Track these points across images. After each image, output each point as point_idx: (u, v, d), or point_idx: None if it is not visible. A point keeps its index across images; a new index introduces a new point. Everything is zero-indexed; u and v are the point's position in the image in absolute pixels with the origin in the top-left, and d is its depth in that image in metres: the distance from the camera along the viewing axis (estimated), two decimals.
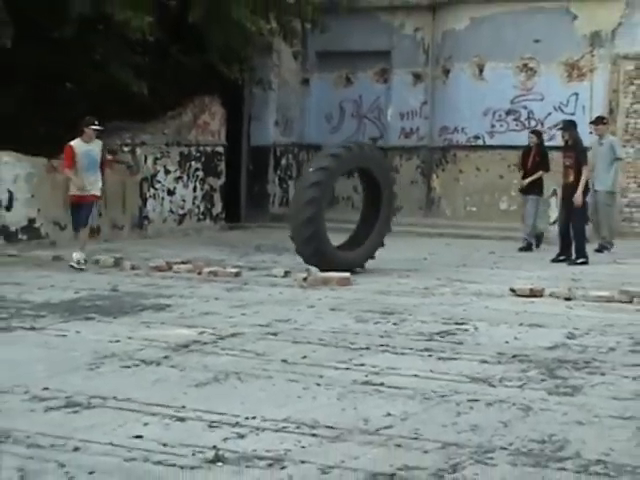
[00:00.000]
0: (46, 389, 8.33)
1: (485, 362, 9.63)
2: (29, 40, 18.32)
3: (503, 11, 23.75)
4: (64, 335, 10.72)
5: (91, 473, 6.28)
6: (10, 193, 17.73)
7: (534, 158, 19.07)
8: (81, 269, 15.51)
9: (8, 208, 17.91)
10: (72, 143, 15.90)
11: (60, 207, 18.10)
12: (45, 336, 10.70)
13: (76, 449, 6.76)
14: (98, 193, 16.28)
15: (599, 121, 18.97)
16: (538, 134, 19.83)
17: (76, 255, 15.59)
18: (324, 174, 15.38)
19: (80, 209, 15.98)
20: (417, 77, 25.43)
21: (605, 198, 18.61)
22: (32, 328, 11.07)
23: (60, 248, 17.51)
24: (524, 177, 19.45)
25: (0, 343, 10.38)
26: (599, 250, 18.66)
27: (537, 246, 19.55)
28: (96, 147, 16.16)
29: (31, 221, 18.59)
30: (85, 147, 15.93)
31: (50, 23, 18.57)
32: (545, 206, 19.71)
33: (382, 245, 16.37)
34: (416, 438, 7.07)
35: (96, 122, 15.99)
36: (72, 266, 15.48)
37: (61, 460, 6.52)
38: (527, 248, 19.31)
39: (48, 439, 6.96)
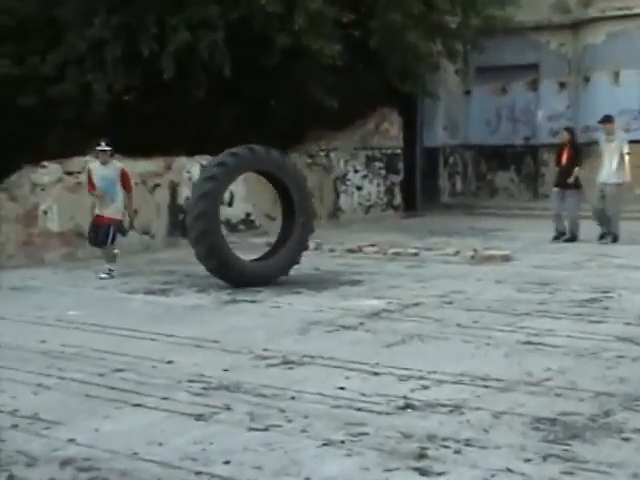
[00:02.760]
0: (266, 350, 8.52)
1: (629, 324, 9.42)
2: (243, 69, 18.66)
3: (635, 25, 23.08)
4: (278, 307, 10.91)
5: (305, 417, 6.41)
6: (231, 192, 18.08)
7: (568, 154, 17.44)
8: (111, 277, 13.40)
9: (230, 204, 18.30)
10: (90, 166, 13.93)
11: (270, 202, 18.40)
12: (263, 307, 10.92)
13: (292, 398, 6.91)
14: (114, 215, 13.61)
15: (607, 120, 17.27)
16: (570, 131, 18.23)
17: (106, 266, 13.59)
18: (212, 184, 12.25)
19: (97, 230, 13.65)
20: (562, 85, 24.94)
21: (614, 190, 16.99)
22: (253, 301, 11.32)
23: (272, 235, 17.76)
24: (561, 173, 17.36)
25: (229, 313, 10.65)
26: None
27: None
28: (112, 170, 13.63)
29: (248, 214, 18.96)
30: (101, 170, 13.64)
31: (259, 54, 18.89)
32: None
33: (297, 262, 12.92)
34: (572, 389, 6.98)
35: (102, 143, 13.64)
36: (102, 277, 13.37)
37: (281, 407, 6.67)
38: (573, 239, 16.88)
39: (270, 390, 7.13)
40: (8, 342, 9.09)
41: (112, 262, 13.62)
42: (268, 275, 12.52)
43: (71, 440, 6.04)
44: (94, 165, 13.78)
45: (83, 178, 15.88)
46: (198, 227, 12.02)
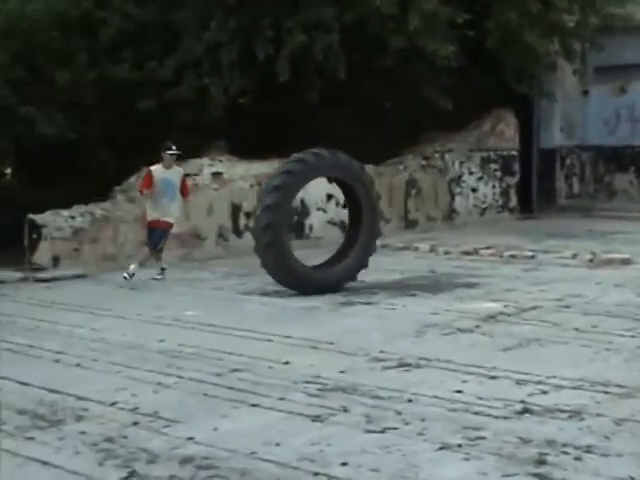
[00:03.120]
0: (382, 352, 8.52)
1: None
2: (357, 71, 18.69)
3: None
4: (393, 309, 10.90)
5: (422, 420, 6.40)
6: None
7: None
8: (127, 278, 13.19)
9: (344, 206, 18.29)
10: (152, 168, 13.64)
11: (385, 204, 18.43)
12: (378, 309, 10.93)
13: (409, 400, 6.90)
14: (171, 220, 13.70)
15: None
16: None
17: (132, 267, 13.34)
18: (278, 194, 11.97)
19: (152, 233, 13.64)
20: None
21: None
22: (368, 303, 11.33)
23: (386, 238, 17.77)
24: None
25: (345, 315, 10.68)
26: None
27: None
28: (175, 174, 13.71)
29: None
30: (163, 174, 13.55)
31: (374, 56, 18.91)
32: None
33: (365, 265, 12.64)
34: None
35: (173, 147, 13.67)
36: (124, 277, 13.19)
37: (398, 409, 6.67)
38: None
39: (386, 392, 7.13)
40: (129, 341, 9.31)
41: (160, 260, 13.80)
42: (336, 281, 12.28)
43: (190, 438, 6.15)
44: (156, 168, 13.62)
45: (199, 180, 16.17)
46: (265, 238, 11.88)
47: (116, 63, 19.75)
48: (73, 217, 14.67)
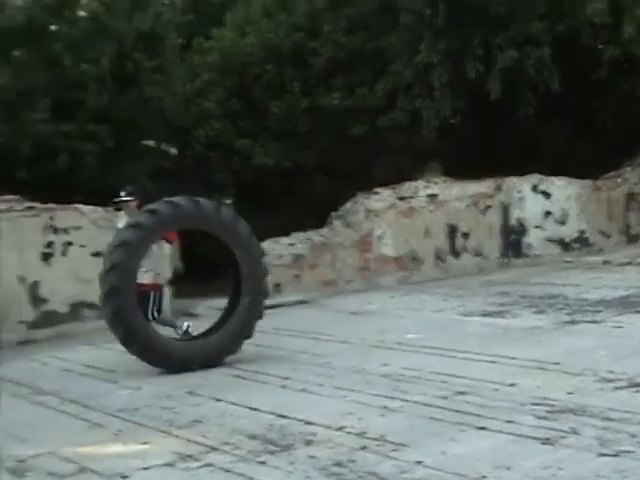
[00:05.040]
0: (611, 372, 8.24)
1: None
2: (570, 84, 18.34)
3: None
4: (620, 327, 10.53)
5: None
6: (564, 210, 17.76)
7: None
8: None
9: (562, 223, 17.94)
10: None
11: (604, 219, 17.97)
12: (604, 328, 10.58)
13: None
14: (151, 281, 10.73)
15: None
16: None
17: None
18: (123, 252, 9.64)
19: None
20: None
21: None
22: (593, 321, 11.00)
23: (607, 253, 17.30)
24: None
25: (569, 334, 10.40)
26: None
27: None
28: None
29: (581, 232, 18.46)
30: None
31: (587, 68, 18.52)
32: None
33: (247, 336, 10.22)
34: None
35: (122, 193, 10.84)
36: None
37: (631, 431, 6.42)
38: None
39: (618, 413, 6.89)
40: (353, 365, 9.40)
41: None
42: (199, 358, 9.89)
43: (419, 462, 6.12)
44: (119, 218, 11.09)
45: (415, 203, 16.22)
46: (109, 307, 9.67)
47: (328, 91, 20.16)
48: (292, 244, 15.01)
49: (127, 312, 9.58)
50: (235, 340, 10.13)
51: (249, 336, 10.21)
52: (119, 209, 11.00)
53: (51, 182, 17.48)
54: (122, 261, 9.57)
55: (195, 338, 10.47)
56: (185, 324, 11.01)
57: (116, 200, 10.91)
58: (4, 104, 17.34)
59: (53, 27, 19.07)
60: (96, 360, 10.69)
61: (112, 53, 18.34)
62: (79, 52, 18.40)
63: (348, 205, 16.01)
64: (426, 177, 17.57)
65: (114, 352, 11.07)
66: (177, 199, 9.99)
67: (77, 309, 12.94)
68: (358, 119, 19.78)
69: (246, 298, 10.20)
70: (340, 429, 7.04)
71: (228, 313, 10.40)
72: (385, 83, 19.97)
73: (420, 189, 16.85)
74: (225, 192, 23.96)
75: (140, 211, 10.30)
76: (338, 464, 6.21)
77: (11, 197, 12.91)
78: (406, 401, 7.76)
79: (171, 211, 9.84)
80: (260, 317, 10.34)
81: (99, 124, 17.85)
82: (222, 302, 14.26)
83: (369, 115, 19.73)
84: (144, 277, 10.39)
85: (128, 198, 10.72)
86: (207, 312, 13.89)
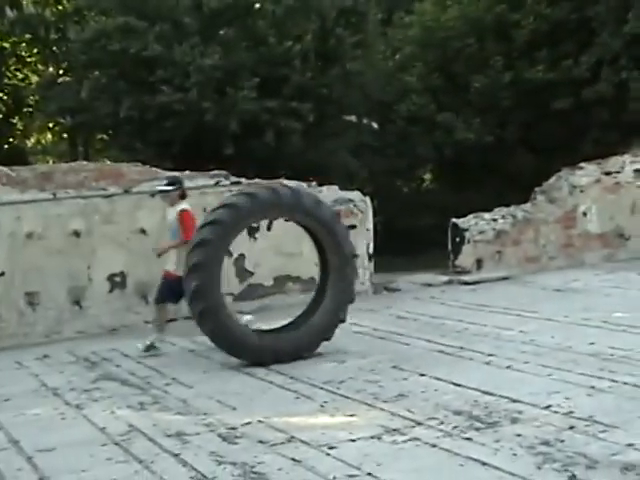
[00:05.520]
0: None
1: None
2: None
3: None
4: None
5: None
6: None
7: None
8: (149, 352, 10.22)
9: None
10: (188, 207, 10.31)
11: None
12: None
13: None
14: (168, 267, 10.25)
15: None
16: None
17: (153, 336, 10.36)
18: (214, 230, 9.21)
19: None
20: None
21: None
22: None
23: None
24: None
25: None
26: None
27: None
28: (173, 213, 10.25)
29: None
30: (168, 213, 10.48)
31: None
32: None
33: (331, 332, 9.62)
34: None
35: (176, 182, 10.43)
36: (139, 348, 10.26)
37: None
38: None
39: None
40: (558, 343, 9.22)
41: (160, 332, 10.39)
42: (294, 349, 9.42)
43: (630, 445, 5.96)
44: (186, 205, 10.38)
45: (621, 178, 15.72)
46: (197, 306, 9.23)
47: (531, 64, 19.80)
48: (495, 220, 14.83)
49: (216, 310, 9.14)
50: (317, 335, 9.56)
51: (331, 334, 9.63)
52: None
53: (256, 157, 17.97)
54: (204, 260, 9.11)
55: (275, 331, 9.78)
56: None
57: (158, 190, 10.58)
58: (213, 82, 17.90)
59: (257, 5, 19.53)
60: None
61: (315, 29, 18.60)
62: (283, 29, 18.77)
63: (552, 180, 15.66)
64: (633, 151, 16.97)
65: None
66: (255, 190, 9.65)
67: (281, 282, 13.23)
68: (562, 92, 19.34)
69: (334, 291, 9.64)
70: (547, 408, 6.93)
71: (315, 306, 9.78)
72: (590, 55, 19.42)
73: (627, 164, 16.28)
74: (425, 167, 24.01)
75: (180, 201, 10.14)
76: (545, 443, 6.12)
77: (218, 172, 13.26)
78: (614, 382, 7.56)
79: (250, 204, 9.30)
80: (351, 302, 9.81)
81: (301, 101, 18.17)
82: (423, 277, 14.48)
83: (573, 88, 19.24)
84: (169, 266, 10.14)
85: (169, 188, 10.27)
86: (409, 287, 13.97)
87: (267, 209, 9.55)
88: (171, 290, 9.99)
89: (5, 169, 12.05)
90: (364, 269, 13.64)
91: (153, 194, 10.70)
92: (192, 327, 9.68)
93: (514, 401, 7.18)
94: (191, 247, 9.32)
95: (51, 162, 27.64)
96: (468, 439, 6.34)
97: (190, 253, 9.28)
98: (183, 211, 10.10)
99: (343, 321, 9.74)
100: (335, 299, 9.63)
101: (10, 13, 24.28)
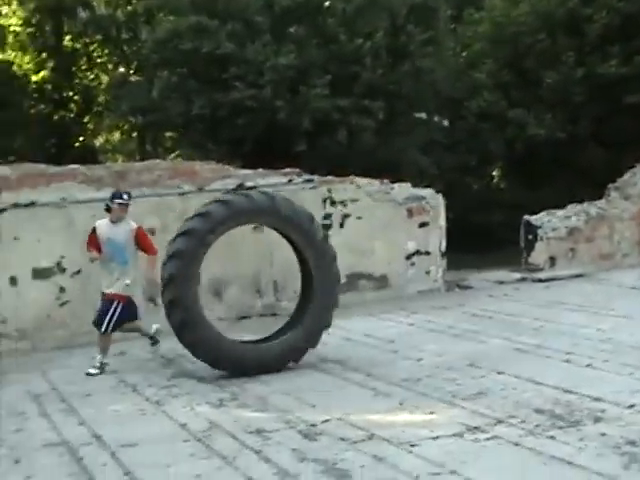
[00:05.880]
0: None
1: None
2: None
3: None
4: None
5: None
6: None
7: None
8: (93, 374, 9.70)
9: None
10: (97, 223, 9.96)
11: None
12: None
13: None
14: (115, 290, 9.71)
15: None
16: None
17: (98, 357, 9.85)
18: (188, 241, 8.96)
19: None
20: None
21: None
22: None
23: None
24: None
25: None
26: None
27: None
28: (121, 231, 9.74)
29: None
30: (108, 231, 9.81)
31: None
32: None
33: (314, 342, 9.27)
34: None
35: (124, 195, 9.87)
36: (89, 373, 9.70)
37: None
38: None
39: None
40: (637, 341, 9.09)
41: (104, 353, 9.93)
42: (264, 363, 9.03)
43: None
44: (101, 223, 9.95)
45: None
46: (175, 316, 9.02)
47: (603, 59, 19.53)
48: (568, 217, 14.67)
49: (195, 321, 8.97)
50: (300, 345, 9.21)
51: (314, 344, 9.29)
52: (108, 210, 9.82)
53: (327, 155, 17.98)
54: (179, 271, 8.92)
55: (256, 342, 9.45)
56: (154, 327, 10.21)
57: (118, 202, 9.77)
58: (287, 81, 17.94)
59: (327, 3, 19.54)
60: (374, 330, 10.89)
61: (386, 27, 18.55)
62: (353, 27, 18.74)
63: (626, 176, 15.44)
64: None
65: (392, 323, 11.30)
66: (230, 197, 9.38)
67: (353, 280, 13.19)
68: (634, 87, 19.05)
69: (316, 302, 9.27)
70: (630, 407, 6.84)
71: (299, 315, 9.51)
72: None
73: None
74: (494, 163, 23.81)
75: (124, 217, 9.75)
76: (631, 443, 6.04)
77: (290, 170, 13.28)
78: None
79: (241, 202, 9.12)
80: (335, 306, 9.46)
81: (372, 98, 18.13)
82: (496, 274, 14.36)
83: None
84: (114, 286, 9.69)
85: (128, 202, 9.84)
86: (481, 285, 13.87)
87: (242, 216, 9.23)
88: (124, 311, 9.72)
89: (81, 167, 12.20)
90: (437, 266, 13.58)
91: (107, 206, 9.86)
92: (266, 324, 9.70)
93: (596, 400, 7.10)
94: (165, 259, 9.07)
95: (120, 160, 27.91)
96: (551, 438, 6.28)
97: (164, 265, 9.05)
98: (139, 228, 9.85)
99: (329, 326, 9.44)
100: (319, 304, 9.28)
101: (82, 14, 24.63)
